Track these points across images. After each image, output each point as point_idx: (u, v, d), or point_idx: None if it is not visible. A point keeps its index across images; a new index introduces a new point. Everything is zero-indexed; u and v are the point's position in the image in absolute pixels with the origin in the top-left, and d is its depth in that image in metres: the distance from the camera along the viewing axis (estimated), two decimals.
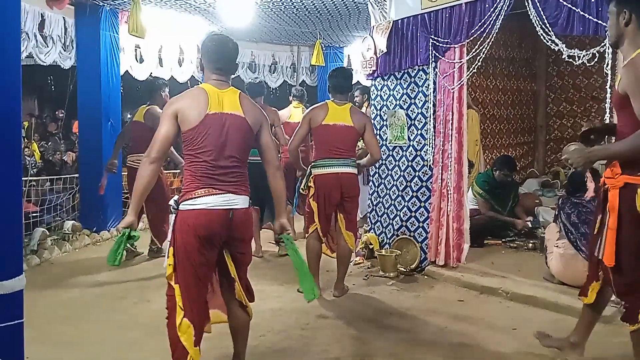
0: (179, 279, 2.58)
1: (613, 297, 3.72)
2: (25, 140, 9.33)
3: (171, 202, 2.70)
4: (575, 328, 3.01)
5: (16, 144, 1.83)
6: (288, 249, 2.84)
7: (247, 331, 2.90)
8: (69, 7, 6.25)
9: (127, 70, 7.09)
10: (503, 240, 5.69)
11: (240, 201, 2.64)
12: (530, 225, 5.76)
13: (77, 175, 6.85)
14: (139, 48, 7.26)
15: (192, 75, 8.36)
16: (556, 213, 4.48)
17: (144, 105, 5.47)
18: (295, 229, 6.24)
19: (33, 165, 8.46)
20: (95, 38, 6.34)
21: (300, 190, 4.48)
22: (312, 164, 4.29)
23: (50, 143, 10.37)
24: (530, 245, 5.42)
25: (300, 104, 6.59)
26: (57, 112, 11.42)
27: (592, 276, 2.79)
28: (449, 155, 4.79)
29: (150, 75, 7.33)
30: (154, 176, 2.63)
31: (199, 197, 2.56)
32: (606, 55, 3.72)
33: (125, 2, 6.15)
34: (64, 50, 6.39)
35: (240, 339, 2.90)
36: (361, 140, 4.47)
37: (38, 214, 6.09)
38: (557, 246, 4.26)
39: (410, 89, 5.15)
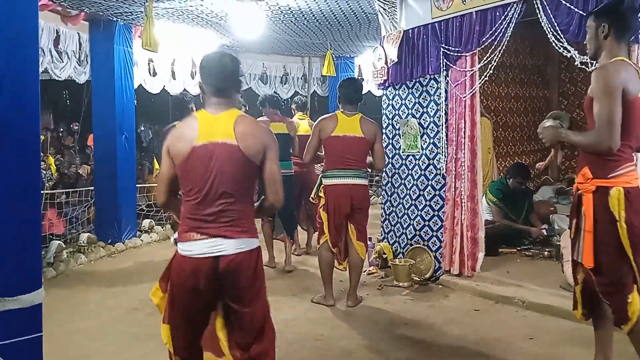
0: (169, 320, 2.34)
1: None
2: (41, 154, 9.45)
3: (172, 238, 2.43)
4: (595, 352, 2.92)
5: (35, 160, 1.87)
6: None
7: None
8: (84, 23, 6.36)
9: (140, 84, 7.18)
10: (518, 248, 5.64)
11: (232, 245, 2.22)
12: (545, 233, 5.70)
13: (92, 188, 6.93)
14: (152, 62, 7.36)
15: None
16: None
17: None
18: (300, 242, 6.20)
19: (49, 178, 8.57)
20: (109, 53, 6.44)
21: (310, 199, 4.49)
22: (323, 174, 4.30)
23: (65, 156, 10.50)
24: (546, 253, 5.36)
25: (305, 114, 6.57)
26: (72, 126, 11.56)
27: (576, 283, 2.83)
28: (462, 164, 4.77)
29: (163, 89, 7.42)
30: (176, 210, 2.41)
31: (184, 241, 2.25)
32: None
33: (138, 17, 6.24)
34: (79, 65, 6.49)
35: None
36: None
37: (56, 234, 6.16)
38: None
39: (422, 98, 5.15)
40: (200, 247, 2.21)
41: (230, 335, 2.29)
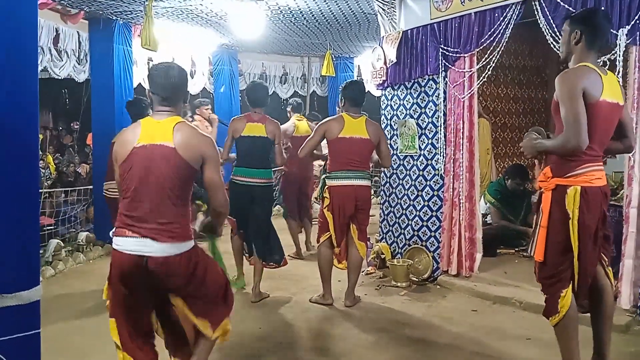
0: (111, 311, 2.47)
1: (628, 307, 3.71)
2: (40, 152, 9.46)
3: (110, 232, 2.57)
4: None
5: (33, 158, 1.87)
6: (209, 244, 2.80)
7: (210, 349, 2.62)
8: (83, 22, 6.36)
9: (140, 83, 7.18)
10: (516, 249, 5.65)
11: (160, 248, 2.31)
12: None
13: (91, 187, 6.93)
14: (152, 61, 7.36)
15: (204, 87, 8.46)
16: None
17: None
18: (301, 244, 6.21)
19: (48, 177, 8.57)
20: (108, 52, 6.44)
21: (314, 199, 4.49)
22: (327, 175, 4.31)
23: (64, 155, 10.50)
24: None
25: (302, 116, 6.53)
26: (72, 125, 11.57)
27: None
28: (460, 164, 4.78)
29: None
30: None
31: (117, 236, 2.38)
32: (617, 63, 3.70)
33: (138, 16, 6.25)
34: (78, 64, 6.50)
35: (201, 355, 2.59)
36: None
37: (53, 227, 6.15)
38: None
39: (421, 99, 5.16)
40: (130, 244, 2.33)
41: (190, 307, 2.46)
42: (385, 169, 5.47)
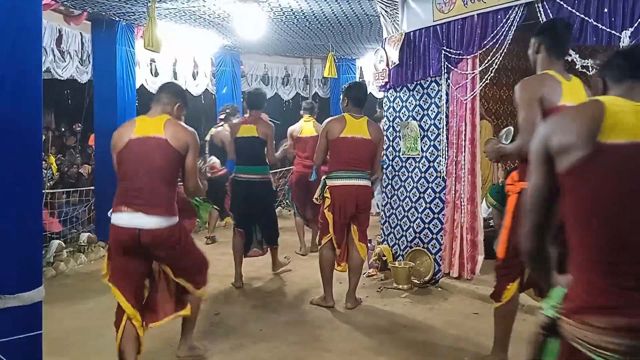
0: (112, 279, 2.94)
1: None
2: (42, 153, 9.42)
3: (109, 213, 2.96)
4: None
5: (37, 160, 1.87)
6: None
7: (196, 310, 3.26)
8: (86, 23, 6.37)
9: (142, 84, 7.19)
10: None
11: (149, 222, 2.81)
12: None
13: (92, 187, 6.93)
14: (154, 62, 7.37)
15: (206, 88, 8.47)
16: None
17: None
18: (305, 241, 6.24)
19: (50, 178, 8.57)
20: (111, 53, 6.45)
21: (314, 200, 4.49)
22: (328, 175, 4.30)
23: (66, 156, 10.51)
24: None
25: (311, 117, 6.56)
26: (74, 127, 11.58)
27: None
28: (462, 167, 4.78)
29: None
30: None
31: (114, 212, 2.88)
32: None
33: (140, 17, 6.26)
34: (81, 65, 6.51)
35: (190, 318, 3.25)
36: None
37: (55, 232, 6.16)
38: None
39: (423, 101, 5.16)
40: (125, 219, 2.83)
41: (175, 273, 3.03)
42: (387, 171, 5.47)
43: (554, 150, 1.41)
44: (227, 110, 6.64)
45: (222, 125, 6.54)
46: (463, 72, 4.72)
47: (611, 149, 1.32)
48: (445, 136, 4.93)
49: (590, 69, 3.94)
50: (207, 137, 6.62)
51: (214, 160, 5.44)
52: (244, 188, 4.93)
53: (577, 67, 4.02)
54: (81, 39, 6.45)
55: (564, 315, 1.39)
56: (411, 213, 5.28)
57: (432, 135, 5.08)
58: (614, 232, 1.32)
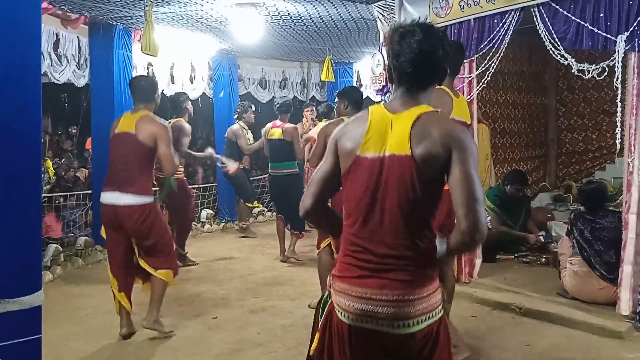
0: (107, 246, 3.76)
1: (627, 313, 3.71)
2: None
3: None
4: None
5: (36, 164, 1.87)
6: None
7: (160, 290, 3.70)
8: (83, 27, 6.36)
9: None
10: (515, 255, 5.64)
11: (123, 198, 3.50)
12: (542, 240, 5.70)
13: (89, 191, 6.92)
14: (151, 66, 7.36)
15: (204, 92, 8.46)
16: (569, 228, 4.46)
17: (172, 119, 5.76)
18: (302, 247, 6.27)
19: (47, 182, 8.55)
20: (108, 57, 6.44)
21: None
22: None
23: (63, 160, 10.48)
24: (543, 260, 5.38)
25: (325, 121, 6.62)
26: (70, 130, 11.56)
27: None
28: None
29: (162, 92, 7.41)
30: None
31: (102, 192, 3.64)
32: (616, 69, 3.72)
33: (138, 21, 6.26)
34: (78, 69, 6.49)
35: (154, 296, 3.70)
36: None
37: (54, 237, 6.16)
38: (571, 263, 4.23)
39: None
40: (107, 197, 3.58)
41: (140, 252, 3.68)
42: None
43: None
44: (238, 110, 7.32)
45: (236, 122, 7.21)
46: (460, 76, 4.73)
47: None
48: None
49: (586, 73, 3.96)
50: (226, 135, 7.32)
51: (229, 165, 6.44)
52: (276, 182, 6.13)
53: (573, 70, 4.04)
54: (78, 43, 6.44)
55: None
56: None
57: None
58: None
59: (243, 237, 7.47)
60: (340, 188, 1.78)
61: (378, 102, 6.80)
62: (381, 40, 5.60)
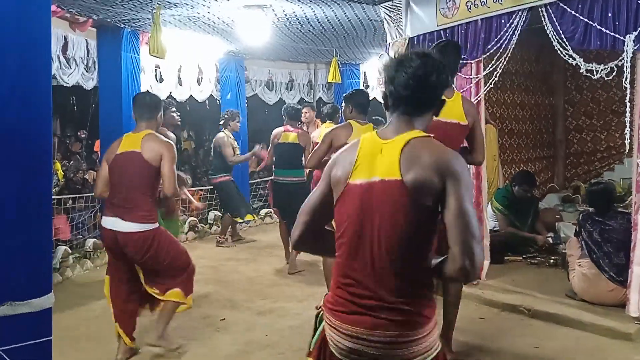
0: (109, 272, 3.49)
1: (636, 314, 3.68)
2: None
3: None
4: None
5: (46, 167, 1.89)
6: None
7: (171, 309, 3.48)
8: (92, 30, 6.40)
9: (147, 90, 7.20)
10: (524, 256, 5.62)
11: (125, 226, 3.24)
12: (551, 241, 5.67)
13: None
14: (159, 68, 7.40)
15: (211, 94, 8.49)
16: (577, 229, 4.43)
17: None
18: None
19: (55, 184, 8.61)
20: (116, 59, 6.48)
21: None
22: None
23: (72, 162, 10.55)
24: (552, 261, 5.35)
25: (333, 123, 6.53)
26: (79, 133, 11.63)
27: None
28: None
29: (169, 95, 7.46)
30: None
31: (103, 216, 3.42)
32: (625, 69, 3.70)
33: (145, 23, 6.29)
34: (87, 72, 6.53)
35: (163, 313, 3.50)
36: None
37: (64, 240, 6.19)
38: (580, 265, 4.21)
39: None
40: (108, 222, 3.33)
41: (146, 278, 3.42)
42: None
43: None
44: (225, 116, 6.93)
45: (222, 130, 6.86)
46: (467, 77, 4.72)
47: None
48: None
49: (595, 73, 3.94)
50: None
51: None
52: (283, 190, 5.81)
53: (581, 70, 4.03)
54: (87, 46, 6.48)
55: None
56: None
57: None
58: None
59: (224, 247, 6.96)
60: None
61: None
62: (388, 41, 5.59)
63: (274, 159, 5.97)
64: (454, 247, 1.48)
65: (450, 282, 1.91)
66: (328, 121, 6.30)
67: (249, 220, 7.48)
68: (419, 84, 1.60)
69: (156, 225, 3.34)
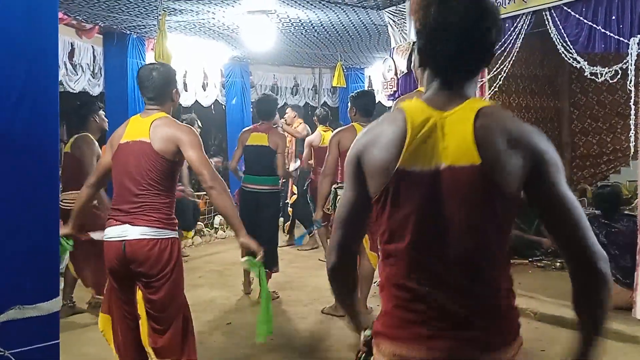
0: (107, 309, 2.66)
1: None
2: None
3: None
4: None
5: (54, 172, 1.91)
6: (255, 274, 2.77)
7: None
8: (98, 36, 6.46)
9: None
10: (530, 259, 5.61)
11: (135, 232, 2.46)
12: None
13: None
14: None
15: (216, 99, 8.53)
16: None
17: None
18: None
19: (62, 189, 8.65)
20: (122, 65, 6.53)
21: (326, 210, 4.48)
22: (339, 185, 4.30)
23: None
24: (558, 264, 5.33)
25: (328, 126, 6.53)
26: None
27: None
28: None
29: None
30: (87, 199, 2.79)
31: (107, 227, 2.56)
32: (629, 72, 3.70)
33: (151, 30, 6.34)
34: (93, 78, 6.58)
35: None
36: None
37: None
38: None
39: None
40: (113, 232, 2.50)
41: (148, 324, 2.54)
42: None
43: None
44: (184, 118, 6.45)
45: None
46: None
47: None
48: None
49: (599, 76, 3.94)
50: None
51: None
52: (251, 199, 4.80)
53: (585, 73, 4.03)
54: (93, 52, 6.54)
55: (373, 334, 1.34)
56: None
57: None
58: None
59: None
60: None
61: (389, 108, 6.80)
62: (392, 45, 5.61)
63: (245, 163, 5.04)
64: (578, 249, 1.24)
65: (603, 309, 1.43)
66: (321, 124, 6.32)
67: None
68: (474, 33, 1.22)
69: (175, 234, 2.60)
